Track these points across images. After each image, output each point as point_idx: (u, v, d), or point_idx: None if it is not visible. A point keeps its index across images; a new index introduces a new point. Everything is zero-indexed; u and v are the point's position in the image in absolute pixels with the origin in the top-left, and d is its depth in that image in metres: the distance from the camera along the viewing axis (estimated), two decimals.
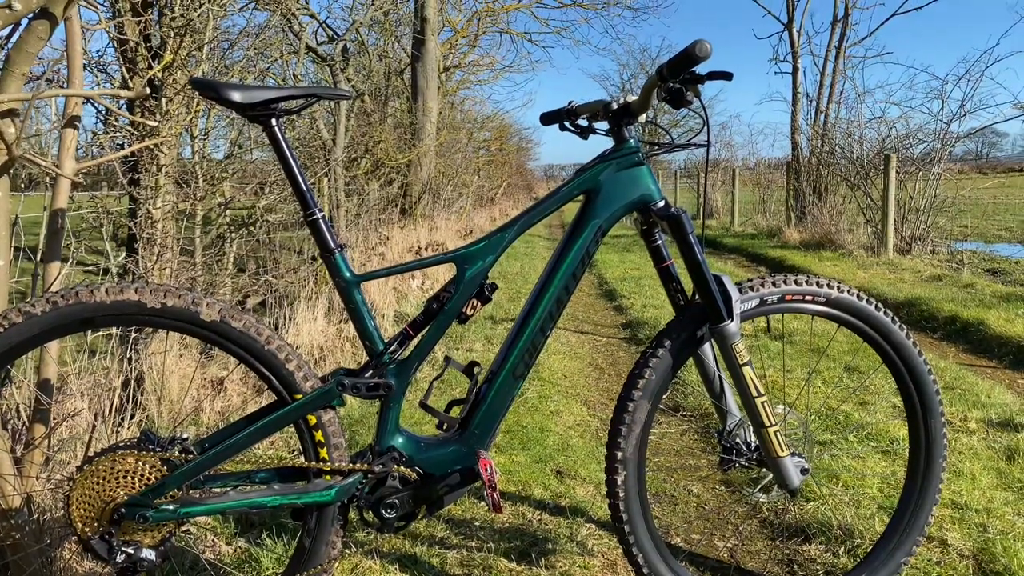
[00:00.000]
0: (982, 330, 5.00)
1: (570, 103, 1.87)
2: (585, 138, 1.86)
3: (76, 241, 3.22)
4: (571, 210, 1.91)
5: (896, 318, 1.84)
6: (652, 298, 6.61)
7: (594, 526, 2.37)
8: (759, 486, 2.03)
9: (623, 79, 34.03)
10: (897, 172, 9.16)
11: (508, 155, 23.50)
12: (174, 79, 3.67)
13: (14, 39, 1.73)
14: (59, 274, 1.79)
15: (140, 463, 1.50)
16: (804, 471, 1.80)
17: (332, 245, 1.61)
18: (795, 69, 13.84)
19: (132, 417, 2.76)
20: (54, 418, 1.90)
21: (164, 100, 3.63)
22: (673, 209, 1.71)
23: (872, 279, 7.45)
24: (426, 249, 8.07)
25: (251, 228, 5.17)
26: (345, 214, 7.58)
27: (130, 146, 3.65)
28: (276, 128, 1.58)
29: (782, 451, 1.76)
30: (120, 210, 4.06)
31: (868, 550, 2.00)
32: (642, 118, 1.71)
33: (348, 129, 8.37)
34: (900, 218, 9.40)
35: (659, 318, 5.57)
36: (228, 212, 4.95)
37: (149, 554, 1.50)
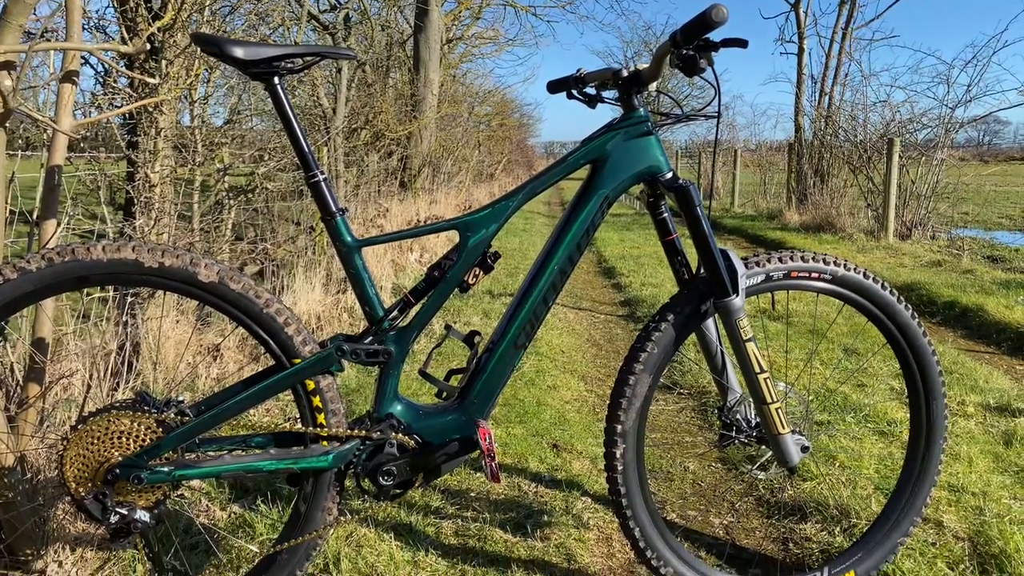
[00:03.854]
0: (981, 316, 4.99)
1: (578, 71, 1.84)
2: (593, 107, 1.83)
3: (73, 204, 3.19)
4: (570, 188, 1.88)
5: (902, 298, 1.82)
6: (651, 276, 6.60)
7: (590, 500, 2.36)
8: (757, 464, 2.03)
9: (626, 56, 33.71)
10: (900, 157, 9.12)
11: (509, 131, 23.37)
12: (174, 41, 3.61)
13: None
14: (55, 232, 1.76)
15: (135, 424, 1.48)
16: (804, 449, 1.79)
17: (333, 208, 1.58)
18: (800, 50, 13.72)
19: (128, 382, 2.74)
20: (49, 378, 1.88)
21: (164, 63, 3.57)
22: (681, 181, 1.68)
23: (872, 263, 7.43)
24: (425, 223, 8.03)
25: (250, 196, 5.13)
26: (344, 184, 7.53)
27: (132, 111, 3.60)
28: (278, 87, 1.55)
29: (783, 428, 1.75)
30: (118, 173, 4.01)
31: (864, 530, 1.99)
32: (652, 87, 1.68)
33: (349, 99, 8.29)
34: (901, 203, 9.37)
35: (658, 296, 5.56)
36: (227, 179, 4.90)
37: (143, 515, 1.48)
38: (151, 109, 3.55)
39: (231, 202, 4.95)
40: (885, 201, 9.10)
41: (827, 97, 12.81)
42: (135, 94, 3.57)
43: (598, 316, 5.36)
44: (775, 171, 15.04)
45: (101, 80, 4.00)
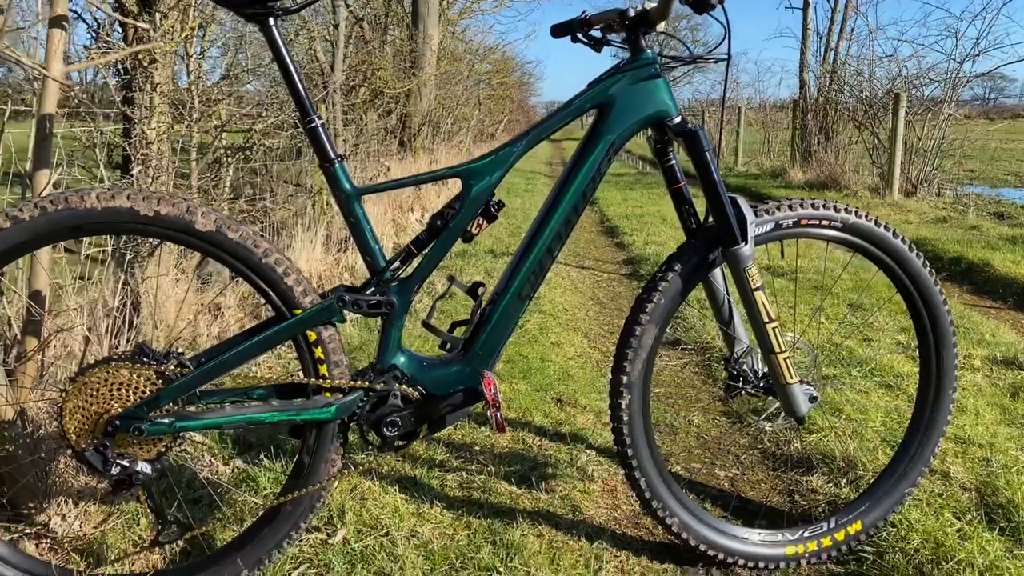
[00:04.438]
0: (987, 271, 4.96)
1: (583, 13, 1.77)
2: (598, 50, 1.77)
3: (69, 164, 3.13)
4: (571, 148, 1.84)
5: (913, 246, 1.79)
6: (654, 235, 6.55)
7: (594, 452, 2.36)
8: (763, 415, 2.01)
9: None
10: (906, 112, 8.99)
11: (509, 89, 23.08)
12: None
13: None
14: (48, 182, 1.72)
15: (135, 376, 1.46)
16: (812, 399, 1.77)
17: (332, 155, 1.54)
18: (806, 5, 13.46)
19: (128, 340, 2.72)
20: (47, 331, 1.85)
21: (159, 16, 3.49)
22: (690, 125, 1.63)
23: None
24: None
25: (248, 153, 5.06)
26: (343, 143, 7.44)
27: (126, 66, 3.53)
28: (274, 28, 1.50)
29: (791, 378, 1.72)
30: (114, 130, 3.95)
31: (871, 481, 1.98)
32: (660, 26, 1.62)
33: (347, 56, 8.16)
34: (907, 159, 9.26)
35: (661, 255, 5.51)
36: (224, 136, 4.83)
37: (145, 467, 1.47)
38: (145, 64, 3.48)
39: (229, 160, 4.89)
40: (890, 158, 9.00)
41: (832, 52, 12.62)
42: (129, 48, 3.49)
43: (601, 275, 5.33)
44: (779, 129, 14.87)
45: (94, 34, 3.92)
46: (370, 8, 10.23)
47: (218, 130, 4.53)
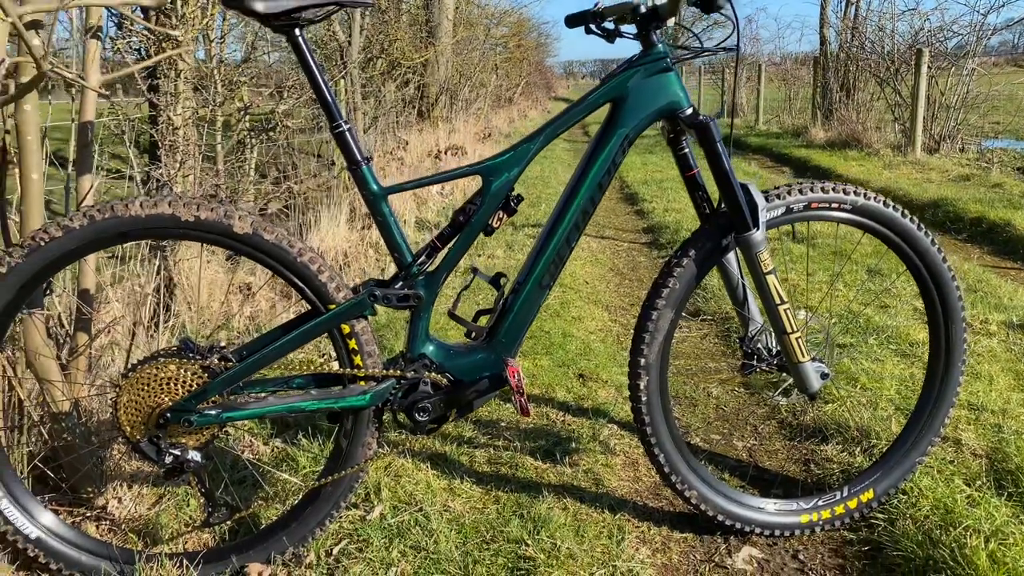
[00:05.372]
0: (1008, 231, 4.95)
1: (596, 4, 1.83)
2: (611, 41, 1.82)
3: (99, 149, 3.23)
4: (593, 118, 1.90)
5: (922, 224, 1.84)
6: (674, 201, 6.57)
7: (616, 427, 2.45)
8: (779, 389, 2.09)
9: None
10: (929, 67, 8.86)
11: (526, 52, 22.86)
12: None
13: None
14: (92, 187, 1.82)
15: (182, 371, 1.56)
16: (824, 376, 1.84)
17: (359, 157, 1.62)
18: None
19: (167, 322, 2.84)
20: (95, 326, 1.96)
21: (180, 3, 3.56)
22: (701, 117, 1.69)
23: (898, 179, 7.33)
24: (445, 153, 7.99)
25: (271, 133, 5.14)
26: (363, 117, 7.50)
27: (148, 51, 3.62)
28: (300, 38, 1.57)
29: (803, 357, 1.80)
30: (141, 117, 4.05)
31: (884, 450, 2.06)
32: (670, 21, 1.67)
33: (363, 28, 8.17)
34: (930, 115, 9.15)
35: (681, 222, 5.55)
36: (247, 118, 4.91)
37: (195, 455, 1.58)
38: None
39: (253, 141, 4.97)
40: (913, 114, 8.90)
41: (853, 7, 12.41)
42: (153, 36, 3.57)
43: (621, 244, 5.38)
44: (800, 86, 14.68)
45: (116, 22, 4.00)
46: None
47: (242, 113, 4.62)
